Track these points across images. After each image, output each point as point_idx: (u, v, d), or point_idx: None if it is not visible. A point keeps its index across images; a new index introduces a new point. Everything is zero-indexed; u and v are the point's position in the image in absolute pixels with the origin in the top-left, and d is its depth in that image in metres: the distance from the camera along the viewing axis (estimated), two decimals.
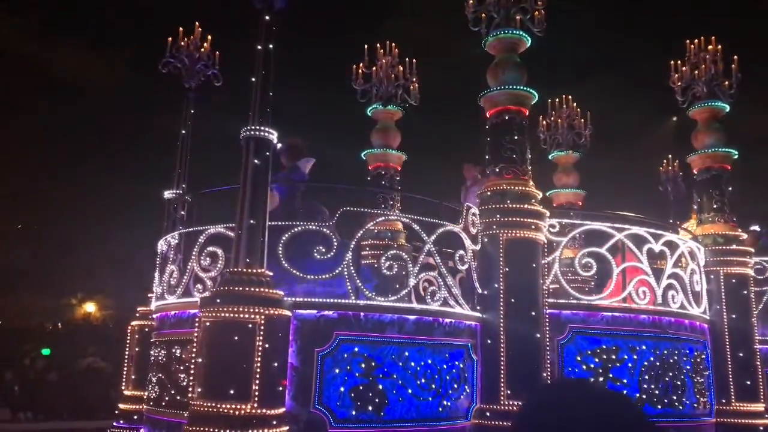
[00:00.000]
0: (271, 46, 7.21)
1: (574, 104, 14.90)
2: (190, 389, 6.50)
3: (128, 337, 10.15)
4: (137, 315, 10.20)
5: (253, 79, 7.24)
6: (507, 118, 9.14)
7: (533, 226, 8.68)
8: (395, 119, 12.58)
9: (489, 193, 8.94)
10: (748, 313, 10.87)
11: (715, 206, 11.34)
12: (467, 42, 9.08)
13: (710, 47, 11.62)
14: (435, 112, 13.24)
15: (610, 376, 8.98)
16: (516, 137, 9.05)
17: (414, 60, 12.61)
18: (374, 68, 12.28)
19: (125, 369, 10.18)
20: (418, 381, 7.31)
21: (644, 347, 9.25)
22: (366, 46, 12.39)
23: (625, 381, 9.03)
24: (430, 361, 7.45)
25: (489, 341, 8.35)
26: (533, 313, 8.46)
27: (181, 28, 10.60)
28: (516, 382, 8.16)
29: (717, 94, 11.67)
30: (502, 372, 8.20)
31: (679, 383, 9.50)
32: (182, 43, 10.53)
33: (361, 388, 6.99)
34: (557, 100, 14.94)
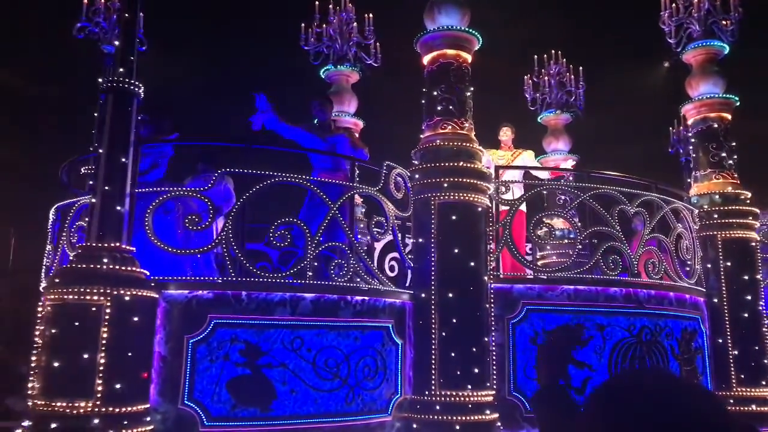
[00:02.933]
0: None
1: (564, 60, 13.40)
2: (30, 384, 5.56)
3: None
4: None
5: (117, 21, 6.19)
6: (443, 63, 7.87)
7: (472, 188, 7.42)
8: (351, 82, 11.40)
9: (421, 151, 7.71)
10: (754, 284, 9.34)
11: (712, 161, 9.81)
12: None
13: None
14: (398, 73, 11.91)
15: (574, 359, 7.68)
16: (453, 85, 7.78)
17: (371, 15, 11.38)
18: (324, 25, 11.09)
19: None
20: (316, 370, 6.19)
21: (615, 325, 7.91)
22: (317, 2, 11.22)
23: (591, 365, 7.72)
24: (333, 347, 6.33)
25: (421, 322, 7.17)
26: (471, 288, 7.23)
27: None
28: (450, 369, 6.97)
29: (714, 32, 10.11)
30: (434, 358, 7.01)
31: (660, 365, 8.11)
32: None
33: (241, 380, 5.92)
34: (545, 56, 13.45)
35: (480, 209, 7.52)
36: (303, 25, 11.13)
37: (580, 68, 13.35)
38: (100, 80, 6.06)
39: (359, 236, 7.61)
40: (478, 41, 8.04)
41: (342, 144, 7.56)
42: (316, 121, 7.83)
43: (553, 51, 13.53)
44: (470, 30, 7.94)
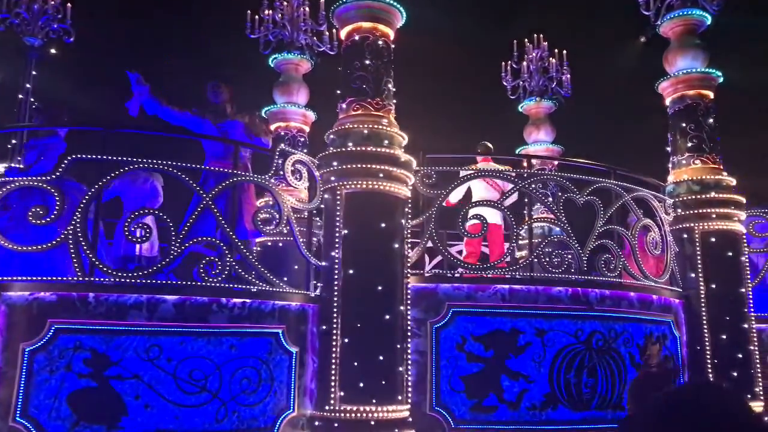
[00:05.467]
0: None
1: (545, 43, 12.37)
2: None
3: None
4: None
5: None
6: (358, 38, 7.04)
7: (386, 176, 6.56)
8: (302, 71, 10.64)
9: (332, 135, 6.90)
10: (739, 282, 8.17)
11: (689, 144, 8.69)
12: None
13: None
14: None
15: (507, 369, 6.72)
16: (368, 62, 6.94)
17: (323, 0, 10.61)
18: (267, 12, 10.38)
19: None
20: (177, 382, 5.42)
21: (558, 330, 6.91)
22: None
23: (528, 375, 6.73)
24: (201, 356, 5.54)
25: (324, 327, 6.34)
26: (380, 288, 6.35)
27: None
28: (352, 380, 6.11)
29: (697, 0, 8.99)
30: (334, 368, 6.16)
31: (615, 376, 7.07)
32: None
33: (85, 393, 5.20)
34: (525, 39, 12.44)
35: (396, 200, 6.65)
36: (249, 12, 10.44)
37: (564, 52, 12.33)
38: None
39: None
40: (400, 14, 7.19)
41: (235, 129, 6.81)
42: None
43: (534, 35, 12.56)
44: (391, 2, 7.09)
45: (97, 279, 5.36)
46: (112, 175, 5.54)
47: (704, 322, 8.02)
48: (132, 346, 5.32)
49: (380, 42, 7.04)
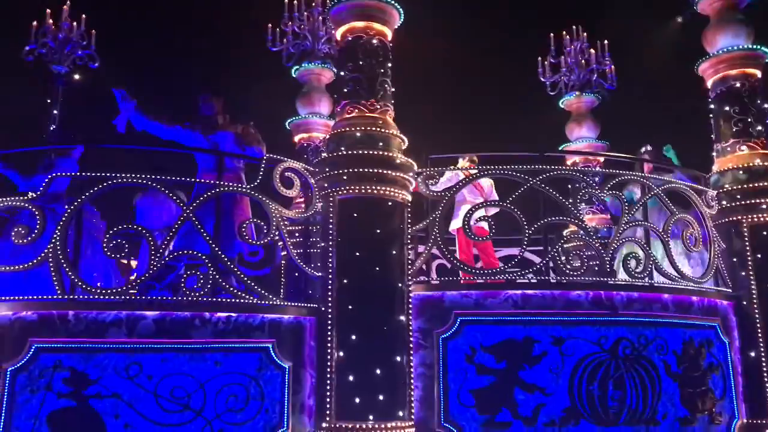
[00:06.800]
0: None
1: (584, 33, 11.69)
2: None
3: None
4: None
5: None
6: (351, 38, 6.79)
7: (381, 180, 6.23)
8: (324, 82, 10.49)
9: (327, 141, 6.66)
10: None
11: (734, 129, 7.88)
12: None
13: None
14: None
15: (521, 381, 6.20)
16: (362, 62, 6.66)
17: None
18: (288, 23, 10.31)
19: None
20: (158, 401, 5.27)
21: (578, 337, 6.33)
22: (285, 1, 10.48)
23: (544, 388, 6.19)
24: (183, 373, 5.38)
25: (320, 340, 6.06)
26: (378, 298, 6.01)
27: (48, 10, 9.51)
28: (348, 396, 5.79)
29: None
30: (329, 383, 5.85)
31: (648, 387, 6.40)
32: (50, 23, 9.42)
33: (64, 412, 5.13)
34: (564, 33, 11.80)
35: (393, 204, 6.31)
36: (270, 25, 10.41)
37: (605, 42, 11.60)
38: None
39: None
40: (397, 12, 6.88)
41: (225, 140, 6.68)
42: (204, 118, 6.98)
43: (573, 27, 11.88)
44: None
45: (77, 296, 5.32)
46: (88, 193, 5.50)
47: (758, 325, 7.18)
48: (111, 364, 5.23)
49: (375, 41, 6.75)
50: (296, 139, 10.32)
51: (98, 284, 6.16)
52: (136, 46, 11.54)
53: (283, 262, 6.42)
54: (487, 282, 6.58)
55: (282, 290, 6.22)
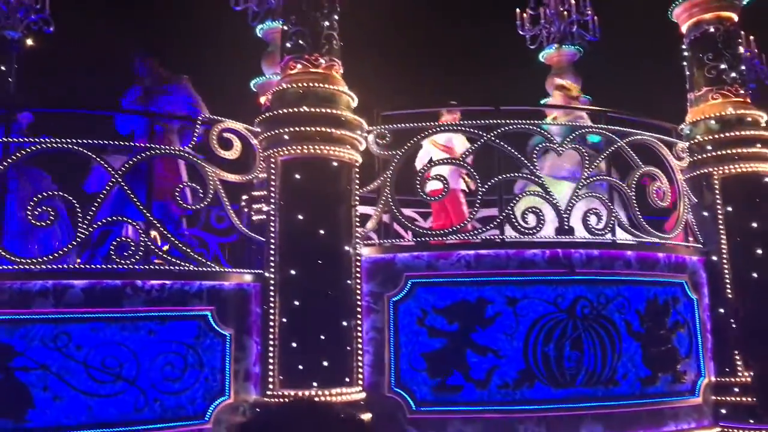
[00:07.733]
0: None
1: None
2: None
3: None
4: None
5: None
6: None
7: (325, 139, 5.95)
8: None
9: (270, 100, 6.36)
10: None
11: (708, 76, 7.49)
12: None
13: None
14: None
15: (473, 344, 6.00)
16: (308, 14, 6.31)
17: None
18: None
19: None
20: (89, 371, 5.12)
21: (534, 297, 6.10)
22: None
23: (497, 350, 5.99)
24: (115, 342, 5.22)
25: (265, 307, 5.87)
26: (321, 261, 5.80)
27: None
28: (292, 362, 5.62)
29: None
30: (272, 350, 5.69)
31: (607, 348, 6.19)
32: None
33: None
34: None
35: (339, 164, 6.04)
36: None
37: None
38: None
39: None
40: None
41: (181, 91, 6.42)
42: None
43: None
44: None
45: (0, 266, 5.14)
46: (7, 162, 5.27)
47: (727, 280, 6.92)
48: (38, 335, 5.07)
49: None
50: (262, 100, 9.98)
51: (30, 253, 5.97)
52: (90, 6, 11.16)
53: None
54: (439, 243, 6.34)
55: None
